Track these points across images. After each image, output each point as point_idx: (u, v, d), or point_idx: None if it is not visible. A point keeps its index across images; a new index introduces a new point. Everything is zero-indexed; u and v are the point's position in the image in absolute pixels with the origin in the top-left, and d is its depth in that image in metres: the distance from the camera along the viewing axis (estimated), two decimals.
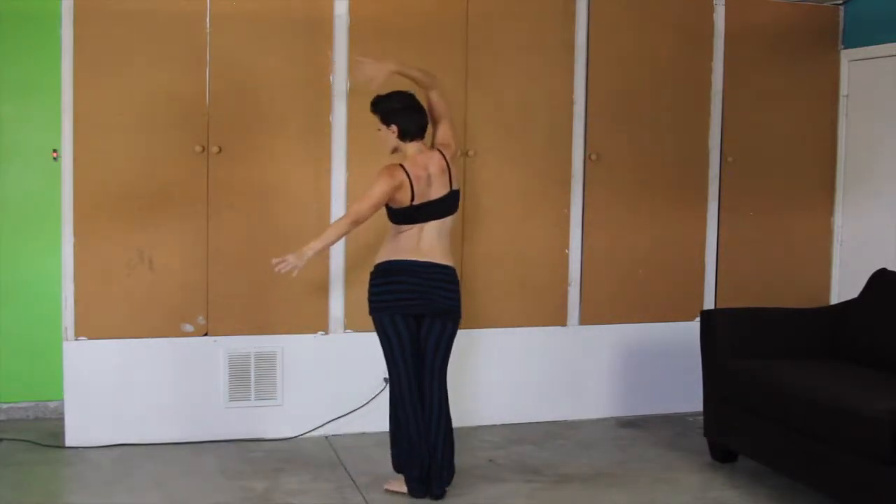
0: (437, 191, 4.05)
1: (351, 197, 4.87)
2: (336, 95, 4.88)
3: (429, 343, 4.11)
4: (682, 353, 5.35)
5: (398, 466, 4.20)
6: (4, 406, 5.17)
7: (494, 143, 5.10)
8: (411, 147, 4.08)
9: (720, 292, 5.56)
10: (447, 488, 4.15)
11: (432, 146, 4.14)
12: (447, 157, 4.10)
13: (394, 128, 4.05)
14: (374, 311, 4.10)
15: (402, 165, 4.02)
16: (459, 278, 4.19)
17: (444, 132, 4.18)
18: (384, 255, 4.08)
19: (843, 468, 3.81)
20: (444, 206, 4.08)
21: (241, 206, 4.80)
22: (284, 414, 4.92)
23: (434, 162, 4.07)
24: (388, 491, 4.20)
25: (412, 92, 4.12)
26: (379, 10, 4.91)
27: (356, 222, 4.01)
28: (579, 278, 5.33)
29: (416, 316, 4.09)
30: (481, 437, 5.03)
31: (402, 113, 4.05)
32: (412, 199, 4.00)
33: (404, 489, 4.16)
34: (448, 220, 4.11)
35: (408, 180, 3.99)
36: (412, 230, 4.04)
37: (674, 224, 5.46)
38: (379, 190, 3.97)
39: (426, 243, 4.05)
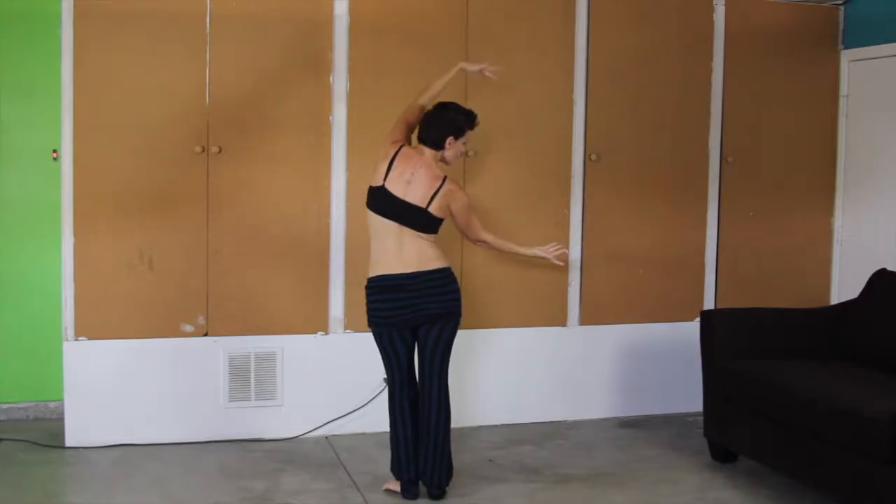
0: (414, 196, 3.99)
1: (351, 197, 4.88)
2: (336, 95, 4.88)
3: (427, 347, 4.09)
4: (682, 353, 5.35)
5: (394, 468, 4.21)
6: (4, 406, 5.17)
7: (494, 143, 5.10)
8: (420, 147, 4.10)
9: (720, 292, 5.56)
10: (447, 488, 4.16)
11: (445, 182, 4.05)
12: (440, 189, 4.02)
13: None
14: (371, 324, 4.13)
15: (403, 145, 4.07)
16: (459, 278, 4.17)
17: (470, 227, 4.20)
18: (373, 269, 4.06)
19: (843, 468, 3.81)
20: (414, 216, 3.99)
21: (241, 206, 4.80)
22: (284, 414, 4.92)
23: (425, 174, 4.02)
24: (387, 490, 4.21)
25: (444, 106, 4.14)
26: (379, 10, 4.91)
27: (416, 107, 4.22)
28: (579, 278, 5.33)
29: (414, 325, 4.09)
30: (481, 437, 5.02)
31: (424, 119, 4.13)
32: (385, 176, 4.00)
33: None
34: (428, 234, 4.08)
35: (393, 154, 4.01)
36: (391, 237, 4.00)
37: (674, 224, 5.46)
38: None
39: (408, 252, 4.00)
